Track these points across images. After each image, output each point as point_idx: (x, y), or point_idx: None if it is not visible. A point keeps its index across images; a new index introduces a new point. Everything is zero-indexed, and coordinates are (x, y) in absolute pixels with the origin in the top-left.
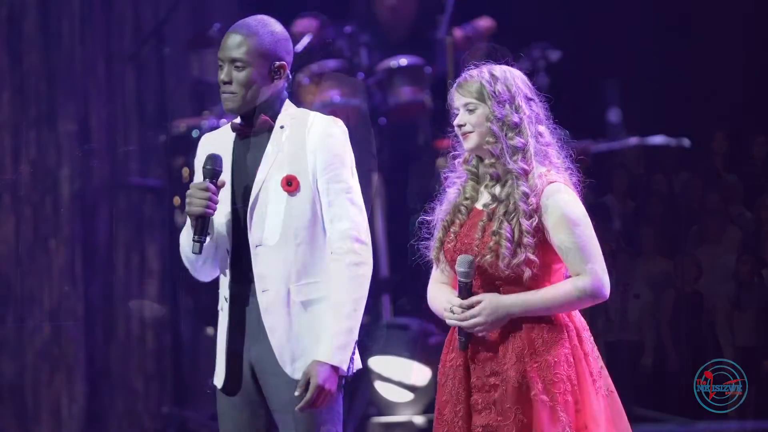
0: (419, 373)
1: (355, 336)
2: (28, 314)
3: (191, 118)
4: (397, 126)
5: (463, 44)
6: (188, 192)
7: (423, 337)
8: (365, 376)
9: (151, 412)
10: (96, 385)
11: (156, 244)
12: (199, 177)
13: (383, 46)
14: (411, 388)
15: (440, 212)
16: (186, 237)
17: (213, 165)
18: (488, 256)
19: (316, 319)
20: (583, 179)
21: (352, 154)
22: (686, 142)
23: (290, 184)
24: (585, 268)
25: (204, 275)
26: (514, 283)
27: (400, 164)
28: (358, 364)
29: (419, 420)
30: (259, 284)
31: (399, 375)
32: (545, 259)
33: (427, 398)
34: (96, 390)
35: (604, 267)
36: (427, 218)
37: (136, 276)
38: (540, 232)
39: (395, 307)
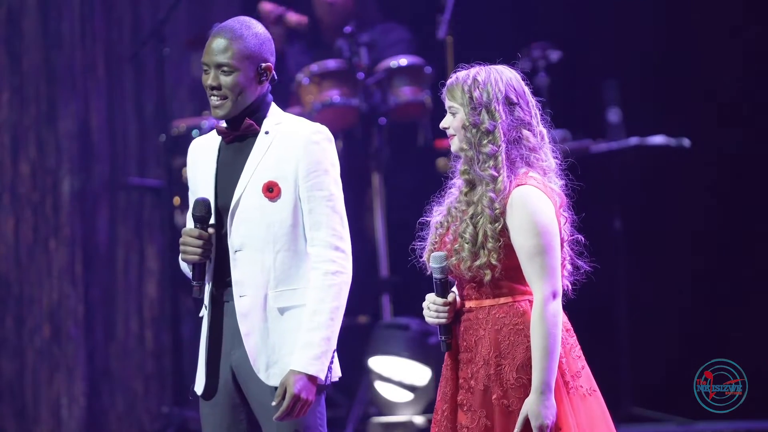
0: (419, 373)
1: (333, 345)
2: (28, 314)
3: (191, 118)
4: (397, 126)
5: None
6: (181, 240)
7: (423, 337)
8: (365, 376)
9: (151, 412)
10: (96, 385)
11: (156, 244)
12: (191, 183)
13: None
14: (411, 388)
15: (436, 214)
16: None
17: (202, 211)
18: (453, 259)
19: (294, 326)
20: (572, 184)
21: (337, 163)
22: (686, 142)
23: (271, 191)
24: (536, 286)
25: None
26: (480, 284)
27: (400, 164)
28: (337, 372)
29: (419, 420)
30: (236, 290)
31: (399, 375)
32: (513, 263)
33: (427, 398)
34: (96, 390)
35: (557, 285)
36: (428, 219)
37: (136, 276)
38: (505, 235)
39: (395, 307)
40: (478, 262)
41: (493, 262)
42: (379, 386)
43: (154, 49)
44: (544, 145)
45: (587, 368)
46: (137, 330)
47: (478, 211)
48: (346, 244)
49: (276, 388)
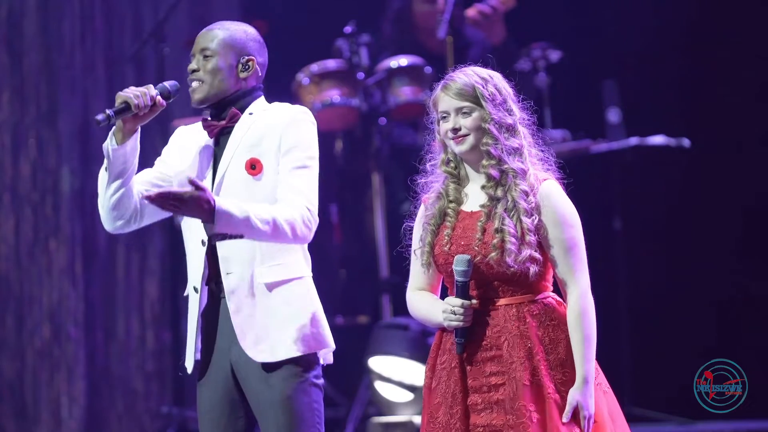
0: (419, 373)
1: (247, 226)
2: (28, 314)
3: (191, 117)
4: (397, 126)
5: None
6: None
7: (423, 337)
8: (365, 376)
9: (151, 412)
10: (96, 385)
11: (156, 244)
12: (172, 163)
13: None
14: (411, 388)
15: (423, 217)
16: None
17: (170, 87)
18: (494, 254)
19: (282, 301)
20: (565, 180)
21: (317, 145)
22: (686, 142)
23: (254, 168)
24: (573, 278)
25: (109, 217)
26: (518, 281)
27: (400, 164)
28: (331, 344)
29: (419, 420)
30: (223, 266)
31: (399, 375)
32: (544, 257)
33: None
34: (96, 390)
35: (588, 276)
36: (411, 224)
37: (137, 276)
38: (540, 231)
39: (395, 307)
40: (522, 256)
41: (536, 255)
42: (379, 386)
43: (154, 49)
44: (533, 142)
45: (599, 366)
46: (137, 330)
47: (510, 206)
48: (316, 217)
49: (264, 363)
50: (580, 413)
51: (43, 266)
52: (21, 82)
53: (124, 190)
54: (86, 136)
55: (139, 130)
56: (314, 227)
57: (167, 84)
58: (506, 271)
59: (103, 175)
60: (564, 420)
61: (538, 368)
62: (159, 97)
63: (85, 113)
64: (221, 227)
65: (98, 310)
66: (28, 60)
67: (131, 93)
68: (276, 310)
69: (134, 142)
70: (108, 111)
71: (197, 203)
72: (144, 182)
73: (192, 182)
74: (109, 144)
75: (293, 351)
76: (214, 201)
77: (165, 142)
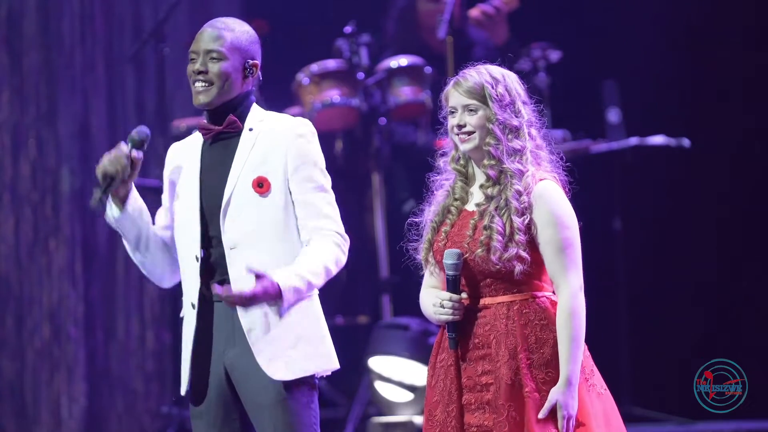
0: (419, 373)
1: (309, 287)
2: (28, 314)
3: (191, 118)
4: (400, 126)
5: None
6: (108, 153)
7: (423, 337)
8: (365, 376)
9: (151, 412)
10: (96, 385)
11: None
12: (170, 185)
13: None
14: (411, 388)
15: (429, 214)
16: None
17: (139, 136)
18: (479, 251)
19: (295, 319)
20: (571, 182)
21: (322, 155)
22: (686, 142)
23: (261, 186)
24: (564, 279)
25: (156, 275)
26: (505, 279)
27: (400, 164)
28: (335, 364)
29: (419, 420)
30: (235, 287)
31: (399, 375)
32: (537, 257)
33: None
34: (96, 390)
35: (581, 277)
36: (416, 220)
37: (137, 276)
38: (531, 230)
39: (395, 307)
40: (508, 254)
41: (523, 254)
42: (379, 386)
43: (154, 49)
44: (543, 145)
45: (596, 367)
46: (137, 330)
47: (502, 204)
48: (348, 240)
49: (280, 382)
50: (558, 413)
51: (43, 266)
52: (21, 82)
53: (151, 248)
54: (86, 136)
55: (134, 188)
56: (346, 248)
57: (134, 134)
58: (491, 268)
59: (127, 246)
60: (540, 416)
61: (520, 367)
62: (134, 153)
63: (85, 113)
64: (289, 301)
65: (98, 310)
66: (28, 60)
67: (107, 162)
68: (289, 328)
69: (135, 203)
70: (96, 193)
71: (267, 294)
72: (160, 228)
73: (257, 275)
74: (111, 215)
75: (306, 370)
76: (279, 284)
77: (165, 141)
